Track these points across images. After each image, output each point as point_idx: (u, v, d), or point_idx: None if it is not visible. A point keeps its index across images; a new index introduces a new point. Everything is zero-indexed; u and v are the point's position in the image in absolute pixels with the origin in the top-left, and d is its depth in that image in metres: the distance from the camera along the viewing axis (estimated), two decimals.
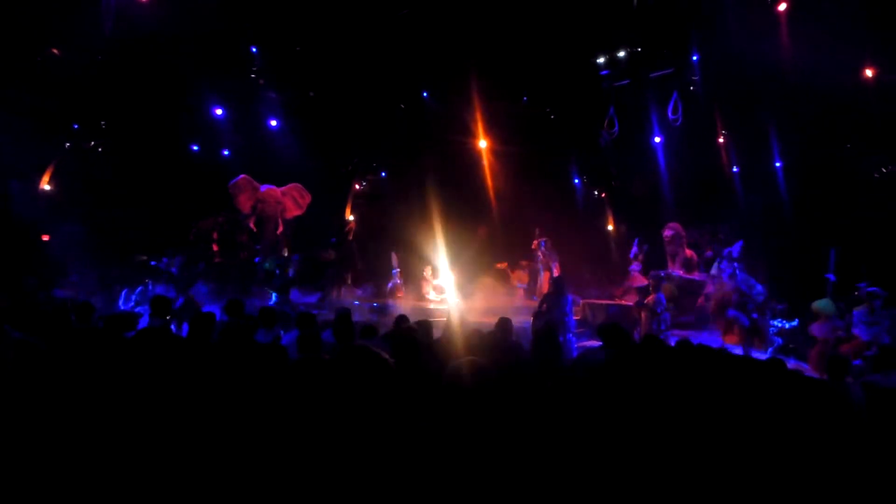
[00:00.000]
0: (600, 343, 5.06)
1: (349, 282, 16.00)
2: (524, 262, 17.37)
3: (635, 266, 16.07)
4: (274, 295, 11.20)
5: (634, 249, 16.27)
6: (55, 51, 13.32)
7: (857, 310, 9.03)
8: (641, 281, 15.60)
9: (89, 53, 13.38)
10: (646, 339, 4.93)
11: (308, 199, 17.12)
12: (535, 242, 16.51)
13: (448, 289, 16.15)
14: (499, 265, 17.62)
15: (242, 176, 16.36)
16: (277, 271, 12.09)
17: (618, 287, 16.82)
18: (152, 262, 12.93)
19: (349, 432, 1.60)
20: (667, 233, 15.65)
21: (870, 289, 9.02)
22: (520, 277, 17.21)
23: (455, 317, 8.08)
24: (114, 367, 3.55)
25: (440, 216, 17.71)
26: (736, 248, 14.32)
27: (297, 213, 17.06)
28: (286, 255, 14.34)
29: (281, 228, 16.76)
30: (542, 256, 16.34)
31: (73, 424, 2.41)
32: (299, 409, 2.32)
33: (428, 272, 16.67)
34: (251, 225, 16.41)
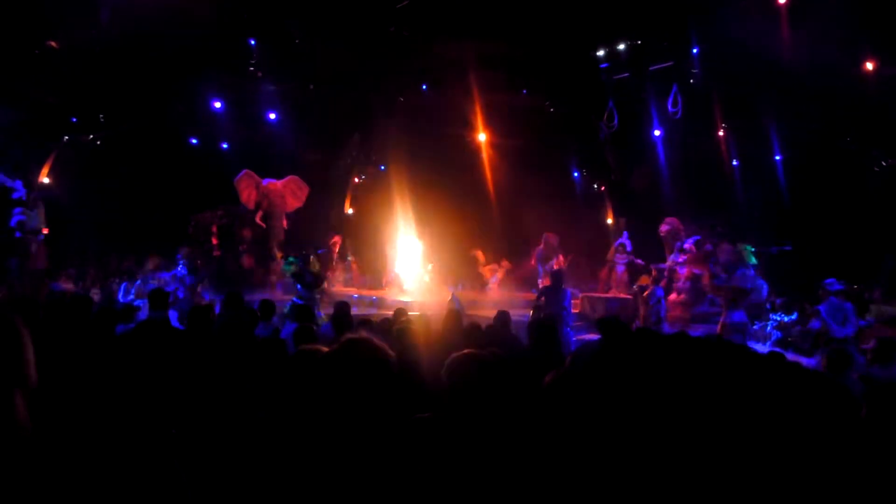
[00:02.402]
0: (599, 336, 5.06)
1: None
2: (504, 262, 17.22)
3: (621, 260, 16.01)
4: (301, 291, 11.20)
5: (628, 244, 16.13)
6: (53, 44, 13.25)
7: (820, 305, 9.17)
8: (625, 277, 15.60)
9: (87, 46, 13.31)
10: (639, 330, 4.94)
11: (306, 190, 17.10)
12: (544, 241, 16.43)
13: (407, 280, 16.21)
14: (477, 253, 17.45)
15: (244, 171, 16.34)
16: (302, 268, 12.08)
17: (607, 283, 16.79)
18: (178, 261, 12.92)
19: (349, 424, 1.59)
20: (663, 228, 15.61)
21: (833, 286, 9.19)
22: (493, 270, 17.10)
23: (454, 310, 8.06)
24: (112, 360, 3.55)
25: (438, 209, 17.70)
26: (689, 242, 14.36)
27: (297, 205, 17.06)
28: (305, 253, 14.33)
29: (285, 222, 16.78)
30: (542, 251, 16.27)
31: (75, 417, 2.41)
32: (298, 402, 2.31)
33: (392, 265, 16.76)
34: (258, 220, 16.40)
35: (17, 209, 12.16)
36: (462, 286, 16.69)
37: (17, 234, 12.07)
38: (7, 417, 1.19)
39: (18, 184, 12.71)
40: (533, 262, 16.56)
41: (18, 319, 1.29)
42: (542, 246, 16.40)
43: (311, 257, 13.93)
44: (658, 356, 0.61)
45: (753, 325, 13.03)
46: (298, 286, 11.18)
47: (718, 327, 10.75)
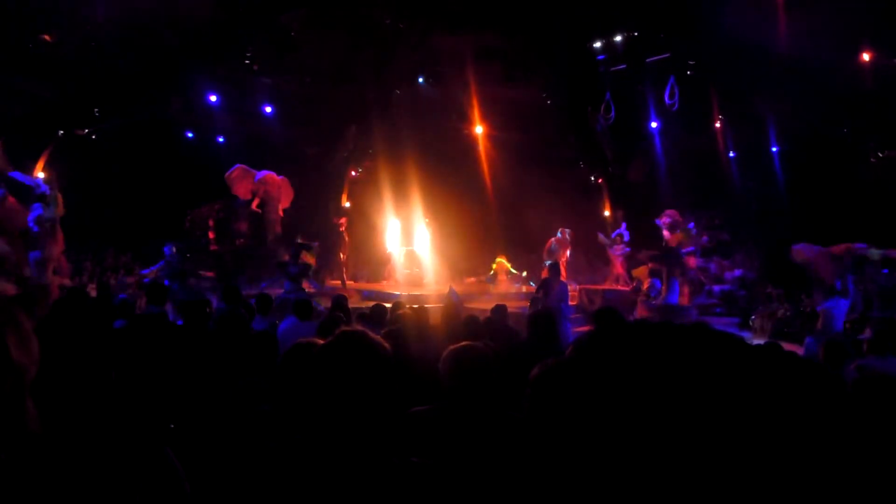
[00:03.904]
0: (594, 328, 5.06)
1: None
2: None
3: (618, 251, 16.02)
4: (287, 283, 11.13)
5: (625, 234, 16.15)
6: (47, 37, 13.18)
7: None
8: (622, 268, 15.62)
9: (81, 39, 13.24)
10: (636, 321, 4.94)
11: (292, 195, 17.13)
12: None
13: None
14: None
15: (238, 165, 16.30)
16: (291, 259, 12.00)
17: (604, 275, 16.83)
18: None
19: (345, 417, 1.59)
20: (664, 220, 15.61)
21: None
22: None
23: (451, 303, 8.07)
24: (109, 355, 3.55)
25: (435, 201, 17.68)
26: (689, 226, 14.46)
27: (285, 205, 17.09)
28: (299, 242, 14.24)
29: (281, 212, 16.76)
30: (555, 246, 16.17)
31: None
32: (294, 396, 2.31)
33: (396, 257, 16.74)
34: (254, 207, 16.36)
35: (37, 204, 12.19)
36: (463, 279, 16.72)
37: (36, 229, 12.08)
38: (20, 413, 1.19)
39: (39, 181, 12.74)
40: (545, 254, 16.47)
41: (23, 314, 1.29)
42: (555, 239, 16.31)
43: (306, 249, 13.87)
44: (650, 344, 0.61)
45: (751, 318, 13.08)
46: (286, 280, 11.11)
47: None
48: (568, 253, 16.22)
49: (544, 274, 14.05)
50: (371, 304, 7.24)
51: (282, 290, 11.25)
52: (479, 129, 17.48)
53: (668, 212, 15.63)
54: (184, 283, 9.93)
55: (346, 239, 16.22)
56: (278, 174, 16.86)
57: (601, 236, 16.69)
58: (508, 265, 16.76)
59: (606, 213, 19.60)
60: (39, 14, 12.48)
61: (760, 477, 0.58)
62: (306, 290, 11.53)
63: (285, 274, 11.22)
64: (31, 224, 11.98)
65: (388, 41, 15.28)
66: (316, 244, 14.47)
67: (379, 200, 17.94)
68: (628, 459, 0.62)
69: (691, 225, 14.68)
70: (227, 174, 16.14)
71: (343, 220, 16.46)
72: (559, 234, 16.14)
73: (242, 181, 16.28)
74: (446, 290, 10.93)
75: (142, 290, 10.05)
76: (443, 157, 18.25)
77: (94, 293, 11.91)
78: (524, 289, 15.66)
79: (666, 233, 15.18)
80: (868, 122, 14.63)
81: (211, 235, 16.66)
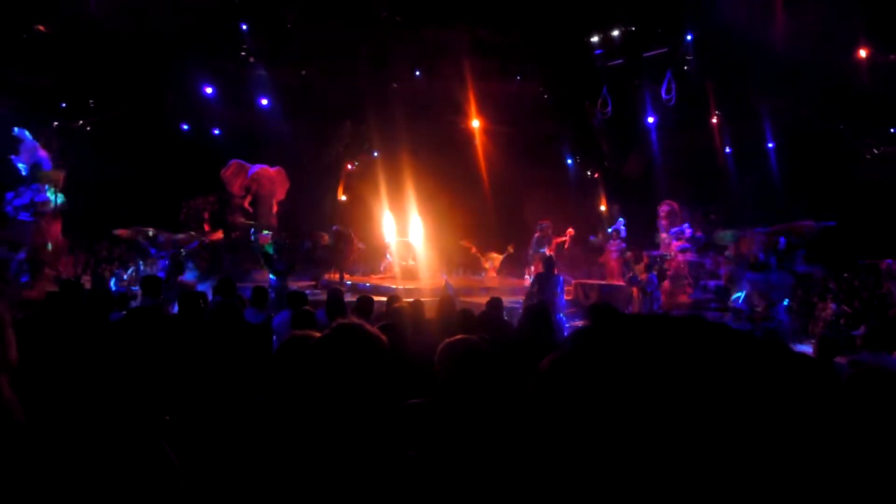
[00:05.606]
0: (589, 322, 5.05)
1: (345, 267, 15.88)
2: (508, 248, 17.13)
3: (614, 247, 16.02)
4: (272, 278, 11.03)
5: (622, 230, 16.12)
6: (42, 28, 13.10)
7: None
8: (618, 263, 15.63)
9: (76, 30, 13.16)
10: (631, 315, 4.92)
11: (287, 185, 17.07)
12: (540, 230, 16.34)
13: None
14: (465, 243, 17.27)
15: (233, 161, 16.25)
16: (275, 254, 11.89)
17: (600, 271, 16.82)
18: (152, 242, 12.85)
19: (342, 410, 1.59)
20: (663, 209, 15.62)
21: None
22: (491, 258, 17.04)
23: (447, 296, 8.07)
24: (106, 347, 3.54)
25: (431, 196, 17.66)
26: (686, 227, 14.50)
27: (280, 197, 17.06)
28: (287, 237, 14.18)
29: (276, 208, 16.71)
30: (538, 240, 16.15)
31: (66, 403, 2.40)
32: (290, 388, 2.31)
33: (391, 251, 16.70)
34: (246, 205, 16.33)
35: (35, 185, 12.15)
36: (458, 272, 16.70)
37: (29, 218, 12.01)
38: None
39: (42, 158, 12.78)
40: (531, 249, 16.45)
41: (2, 303, 1.29)
42: (538, 234, 16.32)
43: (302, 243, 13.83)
44: (648, 336, 0.61)
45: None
46: (270, 274, 10.95)
47: None
48: (555, 243, 16.17)
49: (537, 268, 14.09)
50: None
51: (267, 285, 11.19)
52: (475, 123, 17.45)
53: (668, 202, 15.67)
54: (178, 276, 9.93)
55: (354, 240, 16.21)
56: (272, 166, 16.81)
57: (592, 238, 16.67)
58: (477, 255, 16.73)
59: (602, 207, 19.61)
60: (35, 5, 12.41)
61: (758, 472, 0.59)
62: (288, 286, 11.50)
63: (272, 270, 11.01)
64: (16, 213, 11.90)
65: (385, 34, 15.24)
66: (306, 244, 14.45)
67: (375, 194, 17.90)
68: (628, 453, 0.62)
69: (687, 227, 14.68)
70: (222, 171, 16.08)
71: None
72: (540, 229, 16.11)
73: (237, 177, 16.24)
74: (441, 284, 10.93)
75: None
76: (439, 151, 18.22)
77: (88, 285, 11.87)
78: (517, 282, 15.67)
79: (663, 222, 15.23)
80: (864, 119, 14.67)
81: (206, 228, 16.62)
